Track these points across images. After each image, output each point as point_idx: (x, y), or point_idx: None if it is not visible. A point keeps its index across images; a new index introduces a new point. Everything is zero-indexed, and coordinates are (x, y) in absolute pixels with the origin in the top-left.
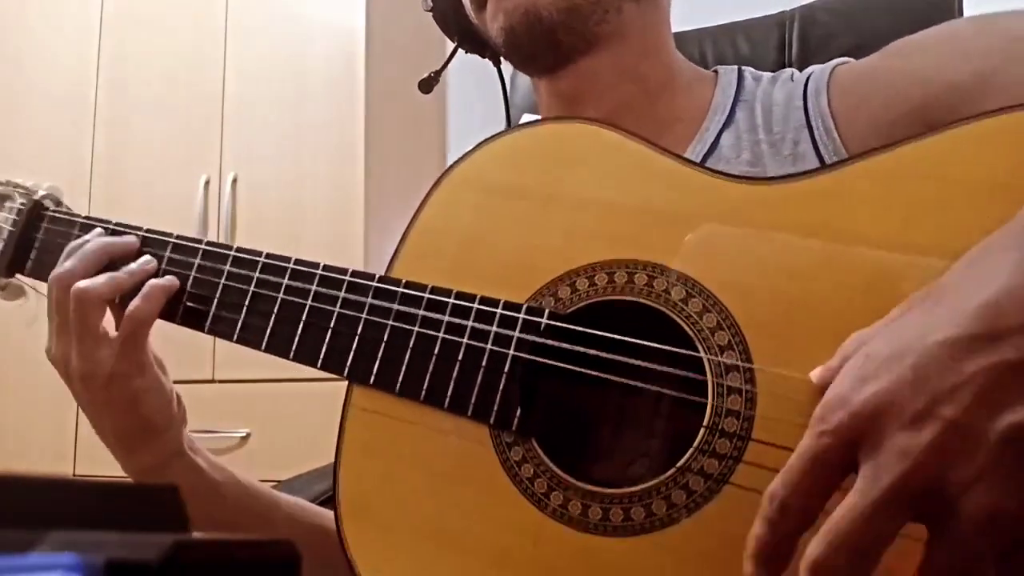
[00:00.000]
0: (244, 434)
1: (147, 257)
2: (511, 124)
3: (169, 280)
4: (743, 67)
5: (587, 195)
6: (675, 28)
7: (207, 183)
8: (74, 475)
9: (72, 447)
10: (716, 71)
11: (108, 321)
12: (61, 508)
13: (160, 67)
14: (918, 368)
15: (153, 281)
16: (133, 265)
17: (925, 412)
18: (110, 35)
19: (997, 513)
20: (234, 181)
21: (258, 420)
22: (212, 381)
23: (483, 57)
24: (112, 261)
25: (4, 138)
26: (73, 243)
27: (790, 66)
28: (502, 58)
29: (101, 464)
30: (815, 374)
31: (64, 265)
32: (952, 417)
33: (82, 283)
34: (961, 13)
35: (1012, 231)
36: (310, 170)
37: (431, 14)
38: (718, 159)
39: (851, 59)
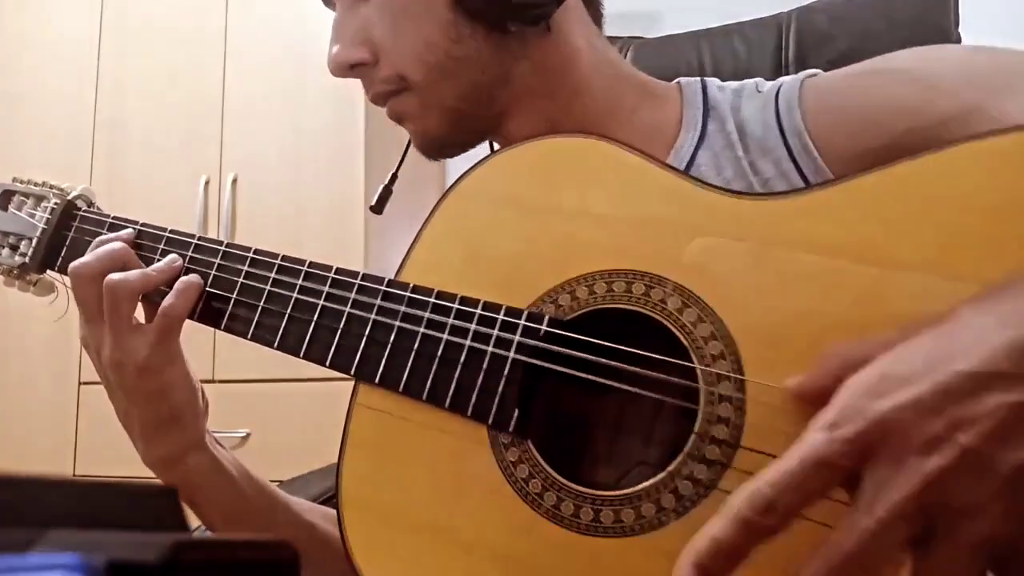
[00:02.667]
0: (244, 434)
1: (174, 255)
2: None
3: (197, 278)
4: (705, 78)
5: (588, 207)
6: (674, 29)
7: (207, 183)
8: (74, 475)
9: (72, 447)
10: (678, 82)
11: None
12: (61, 508)
13: (160, 67)
14: (938, 393)
15: (185, 278)
16: (162, 263)
17: (942, 436)
18: (110, 35)
19: (994, 539)
20: (234, 181)
21: (258, 420)
22: (212, 381)
23: None
24: (125, 260)
25: (4, 138)
26: (97, 239)
27: (787, 67)
28: None
29: (101, 464)
30: (792, 382)
31: (83, 259)
32: (967, 444)
33: (115, 276)
34: (957, 15)
35: None
36: (310, 170)
37: None
38: (696, 175)
39: (819, 71)
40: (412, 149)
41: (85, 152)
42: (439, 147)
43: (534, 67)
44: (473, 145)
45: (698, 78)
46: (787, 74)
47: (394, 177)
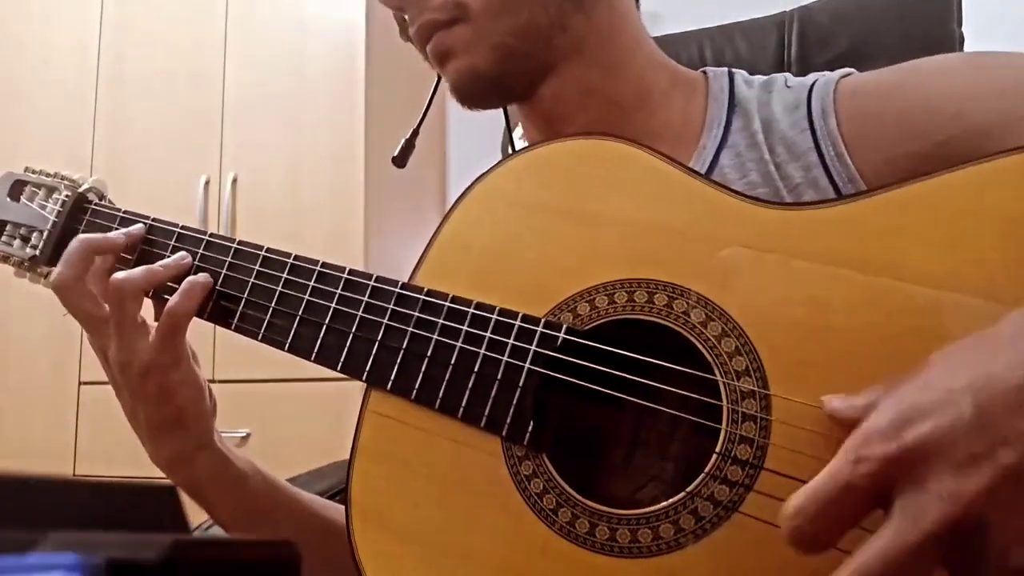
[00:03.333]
0: (244, 434)
1: (183, 253)
2: (510, 125)
3: (205, 277)
4: (733, 70)
5: (609, 212)
6: (674, 29)
7: (207, 183)
8: (74, 475)
9: (72, 447)
10: (705, 73)
11: (148, 310)
12: (61, 508)
13: (160, 66)
14: (981, 410)
15: (192, 278)
16: (170, 260)
17: (982, 455)
18: (110, 35)
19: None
20: (234, 181)
21: (258, 420)
22: (212, 381)
23: None
24: (94, 255)
25: (4, 138)
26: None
27: (789, 66)
28: None
29: (101, 464)
30: (828, 400)
31: (61, 272)
32: (1010, 463)
33: (119, 275)
34: (960, 14)
35: None
36: (310, 170)
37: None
38: (719, 178)
39: (854, 70)
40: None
41: (85, 152)
42: (481, 88)
43: (588, 23)
44: (507, 99)
45: (726, 69)
46: (790, 74)
47: (416, 132)
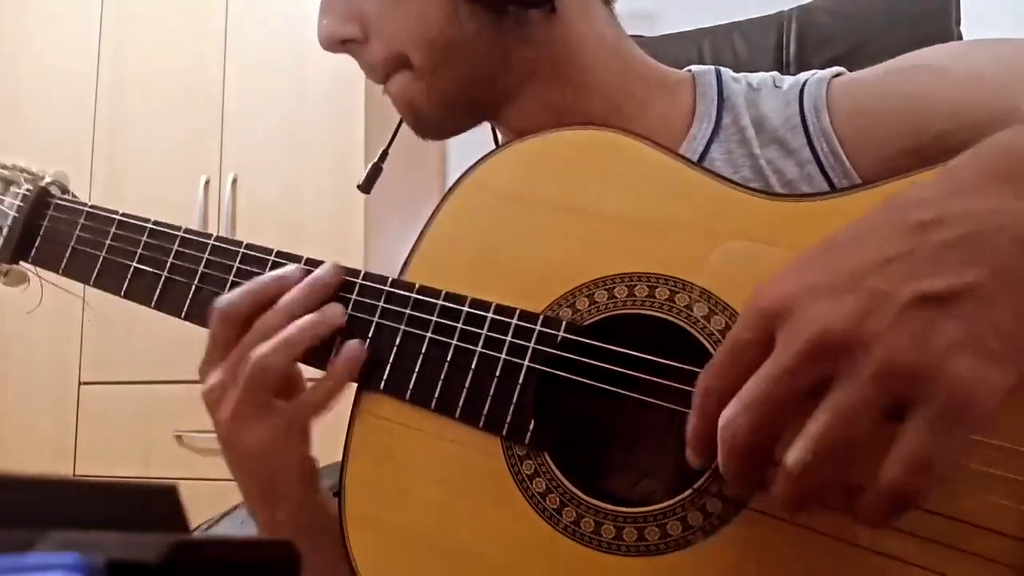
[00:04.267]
0: None
1: (337, 307)
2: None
3: (358, 348)
4: (720, 67)
5: (607, 204)
6: (672, 29)
7: (207, 183)
8: (74, 475)
9: (72, 447)
10: (691, 71)
11: None
12: (61, 508)
13: (160, 67)
14: (846, 260)
15: (348, 354)
16: (316, 319)
17: (848, 285)
18: (110, 35)
19: (895, 364)
20: (234, 181)
21: None
22: None
23: None
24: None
25: (4, 137)
26: (263, 279)
27: (788, 65)
28: None
29: (101, 464)
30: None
31: (231, 297)
32: (874, 286)
33: (264, 349)
34: (958, 13)
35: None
36: (310, 170)
37: None
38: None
39: (845, 70)
40: (405, 129)
41: (85, 152)
42: (437, 128)
43: (538, 53)
44: (471, 127)
45: (712, 67)
46: (789, 73)
47: (384, 155)
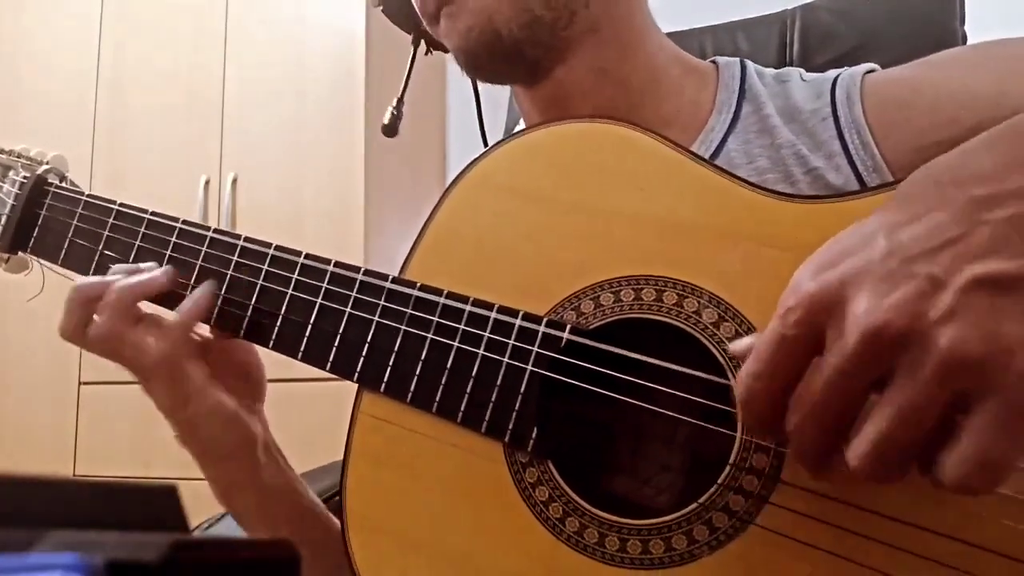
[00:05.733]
0: None
1: (162, 271)
2: (483, 124)
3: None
4: (745, 60)
5: (615, 203)
6: (676, 27)
7: (207, 183)
8: (74, 475)
9: (72, 447)
10: (715, 62)
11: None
12: (61, 508)
13: (160, 67)
14: (892, 240)
15: (197, 300)
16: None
17: (898, 272)
18: (110, 35)
19: (959, 354)
20: (234, 181)
21: None
22: None
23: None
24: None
25: (4, 137)
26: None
27: (791, 64)
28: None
29: (101, 464)
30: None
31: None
32: (928, 272)
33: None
34: (962, 12)
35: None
36: (310, 170)
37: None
38: (725, 163)
39: (878, 67)
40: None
41: (85, 152)
42: (499, 51)
43: (606, 7)
44: (515, 75)
45: (737, 59)
46: None
47: (401, 100)
